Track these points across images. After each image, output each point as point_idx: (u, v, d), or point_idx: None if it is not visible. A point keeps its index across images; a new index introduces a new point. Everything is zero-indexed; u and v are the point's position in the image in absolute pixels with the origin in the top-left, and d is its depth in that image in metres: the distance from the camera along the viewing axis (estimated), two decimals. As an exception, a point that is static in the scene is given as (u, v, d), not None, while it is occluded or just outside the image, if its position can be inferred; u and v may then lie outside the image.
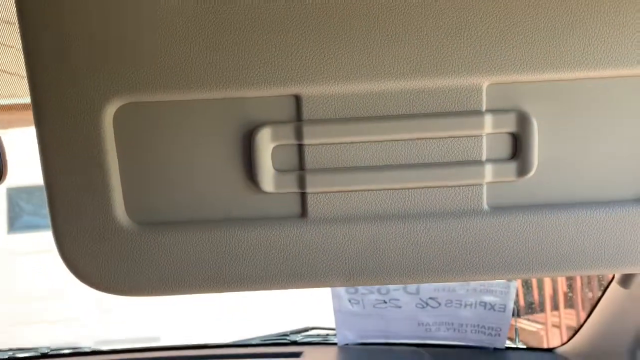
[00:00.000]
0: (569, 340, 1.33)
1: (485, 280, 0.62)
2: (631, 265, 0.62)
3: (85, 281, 0.61)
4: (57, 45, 0.55)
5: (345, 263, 0.61)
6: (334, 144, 0.59)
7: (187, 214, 0.60)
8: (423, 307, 1.32)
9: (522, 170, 0.59)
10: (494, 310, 1.29)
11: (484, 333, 1.32)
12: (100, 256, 0.60)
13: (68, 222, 0.59)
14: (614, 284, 1.08)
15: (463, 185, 0.60)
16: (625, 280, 0.95)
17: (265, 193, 0.60)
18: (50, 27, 0.55)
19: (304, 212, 0.60)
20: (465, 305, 1.30)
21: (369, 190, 0.60)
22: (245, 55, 0.56)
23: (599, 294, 1.15)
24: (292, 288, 0.62)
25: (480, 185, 0.60)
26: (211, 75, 0.56)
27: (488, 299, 1.28)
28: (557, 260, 0.61)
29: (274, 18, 0.55)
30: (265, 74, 0.56)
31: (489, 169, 0.59)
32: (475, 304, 1.29)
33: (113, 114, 0.57)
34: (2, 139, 0.79)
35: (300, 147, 0.59)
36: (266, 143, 0.58)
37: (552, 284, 3.93)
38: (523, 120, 0.58)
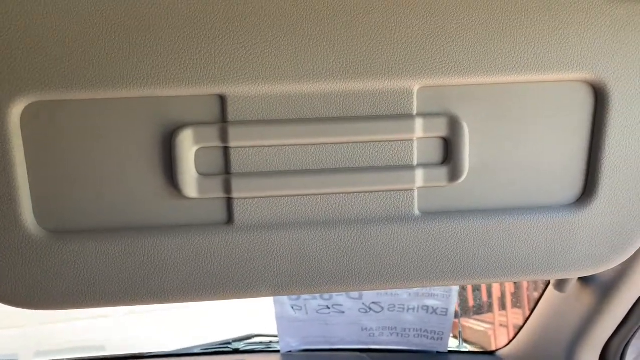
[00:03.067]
0: (509, 342, 1.34)
1: (418, 287, 0.60)
2: (562, 271, 0.62)
3: None
4: None
5: (274, 272, 0.59)
6: (261, 146, 0.56)
7: (103, 221, 0.56)
8: (366, 312, 1.31)
9: (454, 176, 0.58)
10: (436, 314, 1.29)
11: (427, 337, 1.32)
12: (6, 267, 0.55)
13: None
14: (550, 287, 1.09)
15: (394, 190, 0.58)
16: (561, 285, 0.96)
17: (188, 199, 0.56)
18: None
19: (229, 219, 0.58)
20: (408, 310, 1.29)
21: (297, 195, 0.58)
22: (166, 51, 0.52)
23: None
24: (217, 299, 0.59)
25: (412, 190, 0.58)
26: (128, 72, 0.52)
27: (430, 303, 1.28)
28: (489, 266, 0.60)
29: (197, 13, 0.52)
30: (188, 72, 0.53)
31: (420, 174, 0.58)
32: (418, 308, 1.29)
33: (20, 113, 0.53)
34: None
35: (226, 150, 0.56)
36: (188, 145, 0.55)
37: (499, 285, 4.02)
38: (454, 124, 0.57)
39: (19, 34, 0.51)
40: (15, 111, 0.52)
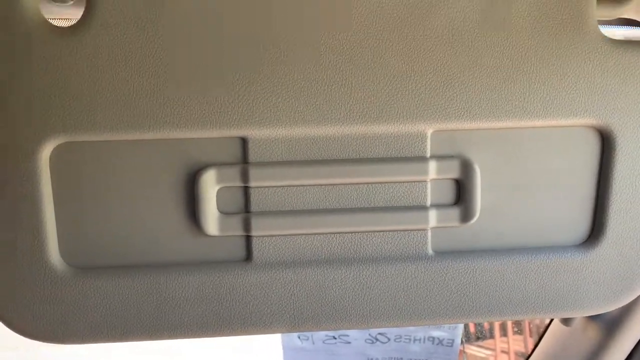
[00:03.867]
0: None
1: (431, 324, 0.62)
2: (570, 309, 0.63)
3: (14, 328, 0.58)
4: None
5: (291, 308, 0.60)
6: (280, 186, 0.58)
7: (126, 257, 0.58)
8: (372, 342, 1.31)
9: (466, 216, 0.60)
10: (442, 345, 1.30)
11: (433, 368, 1.33)
12: (31, 301, 0.57)
13: None
14: (556, 320, 1.10)
15: (408, 230, 0.60)
16: (567, 319, 0.97)
17: (209, 236, 0.58)
18: None
19: (248, 256, 0.59)
20: (414, 340, 1.30)
21: (315, 234, 0.59)
22: (190, 95, 0.55)
23: (546, 321, 1.17)
24: (235, 335, 0.60)
25: (425, 230, 0.60)
26: (154, 115, 0.55)
27: (436, 333, 1.29)
28: (500, 304, 0.62)
29: (221, 59, 0.55)
30: (212, 115, 0.55)
31: (433, 214, 0.60)
32: (424, 338, 1.30)
33: (49, 153, 0.55)
34: None
35: (246, 190, 0.58)
36: (211, 185, 0.57)
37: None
38: (466, 166, 0.59)
39: (50, 80, 0.53)
40: (45, 151, 0.54)
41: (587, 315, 0.66)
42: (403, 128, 0.58)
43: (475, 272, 0.61)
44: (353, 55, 0.56)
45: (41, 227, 0.56)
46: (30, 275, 0.56)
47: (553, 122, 0.59)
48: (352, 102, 0.57)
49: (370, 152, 0.58)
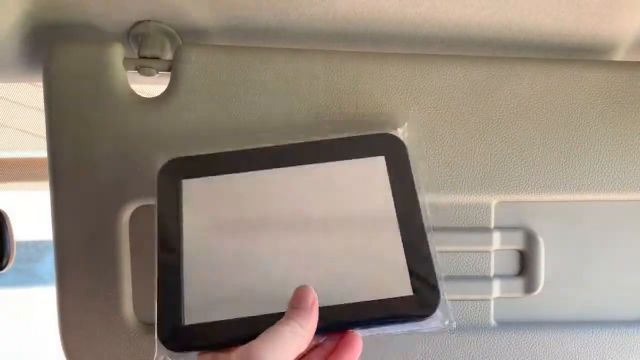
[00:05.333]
0: None
1: None
2: None
3: None
4: (82, 147, 0.57)
5: None
6: None
7: None
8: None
9: (529, 288, 0.60)
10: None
11: None
12: (104, 354, 0.59)
13: (75, 317, 0.58)
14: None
15: (471, 300, 0.60)
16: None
17: None
18: (78, 138, 0.56)
19: None
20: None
21: None
22: None
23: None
24: None
25: (488, 300, 0.60)
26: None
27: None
28: None
29: (294, 126, 0.57)
30: None
31: (496, 285, 0.60)
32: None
33: (129, 215, 0.58)
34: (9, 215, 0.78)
35: None
36: None
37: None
38: (530, 238, 0.60)
39: (136, 148, 0.57)
40: (126, 213, 0.57)
41: None
42: (467, 199, 0.59)
43: (538, 344, 0.61)
44: (421, 128, 0.58)
45: (118, 284, 0.58)
46: (105, 328, 0.59)
47: (618, 197, 0.60)
48: (418, 172, 0.58)
49: (435, 221, 0.59)
